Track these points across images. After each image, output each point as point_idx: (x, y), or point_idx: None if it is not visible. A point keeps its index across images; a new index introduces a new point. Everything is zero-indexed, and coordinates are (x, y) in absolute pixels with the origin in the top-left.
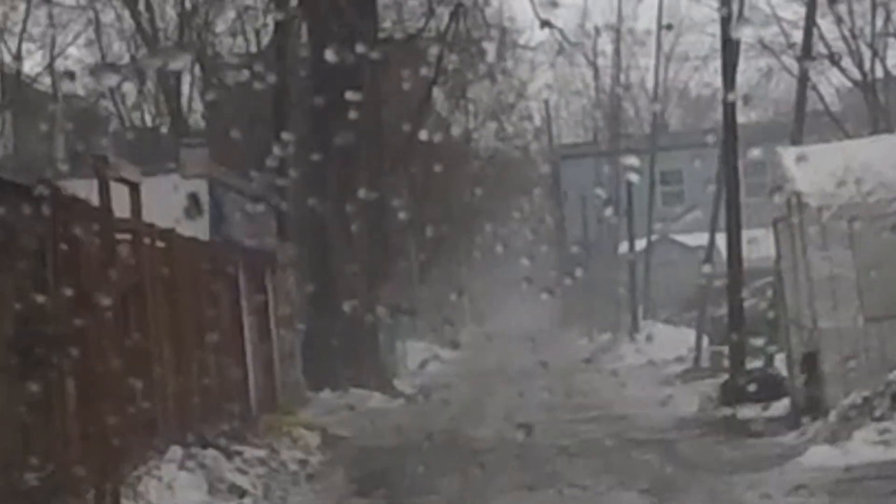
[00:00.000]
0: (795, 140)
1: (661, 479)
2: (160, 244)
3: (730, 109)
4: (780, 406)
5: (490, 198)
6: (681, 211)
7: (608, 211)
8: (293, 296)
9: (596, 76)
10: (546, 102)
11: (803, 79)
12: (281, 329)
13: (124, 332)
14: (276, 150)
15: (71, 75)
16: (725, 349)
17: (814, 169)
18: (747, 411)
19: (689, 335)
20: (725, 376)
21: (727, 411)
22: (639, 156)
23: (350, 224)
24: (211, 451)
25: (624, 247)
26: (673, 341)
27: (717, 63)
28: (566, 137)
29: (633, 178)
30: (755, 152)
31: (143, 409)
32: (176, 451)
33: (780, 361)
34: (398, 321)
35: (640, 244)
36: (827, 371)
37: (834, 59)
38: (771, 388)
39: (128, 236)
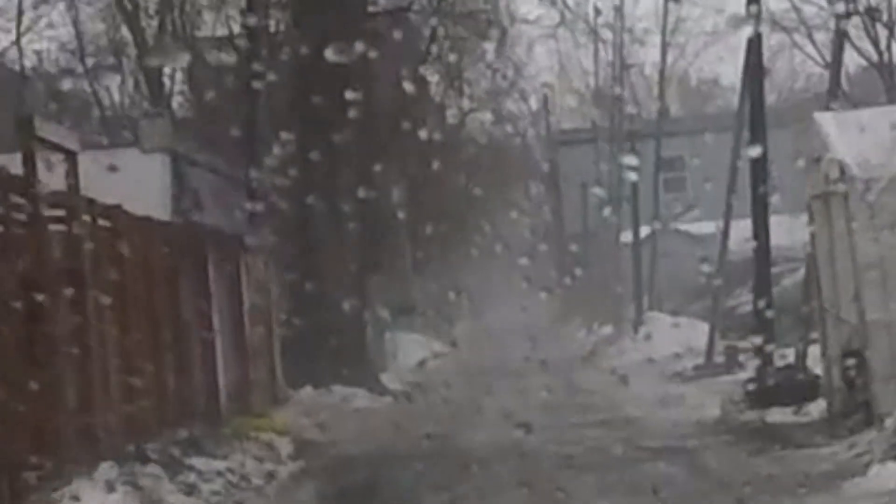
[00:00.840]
0: (829, 107)
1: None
2: (104, 223)
3: (757, 85)
4: (815, 410)
5: (486, 187)
6: (683, 197)
7: (608, 201)
8: (271, 285)
9: (596, 52)
10: (545, 90)
11: (840, 35)
12: (257, 321)
13: (49, 324)
14: (254, 130)
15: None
16: (741, 344)
17: (859, 136)
18: (777, 415)
19: (698, 328)
20: (742, 373)
21: (753, 415)
22: (641, 141)
23: (336, 210)
24: (152, 468)
25: (625, 236)
26: (680, 334)
27: (717, 48)
28: (564, 124)
29: (633, 176)
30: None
31: (68, 417)
32: (107, 469)
33: (812, 358)
34: (391, 314)
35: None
36: (877, 371)
37: (874, 16)
38: (803, 388)
39: (61, 212)
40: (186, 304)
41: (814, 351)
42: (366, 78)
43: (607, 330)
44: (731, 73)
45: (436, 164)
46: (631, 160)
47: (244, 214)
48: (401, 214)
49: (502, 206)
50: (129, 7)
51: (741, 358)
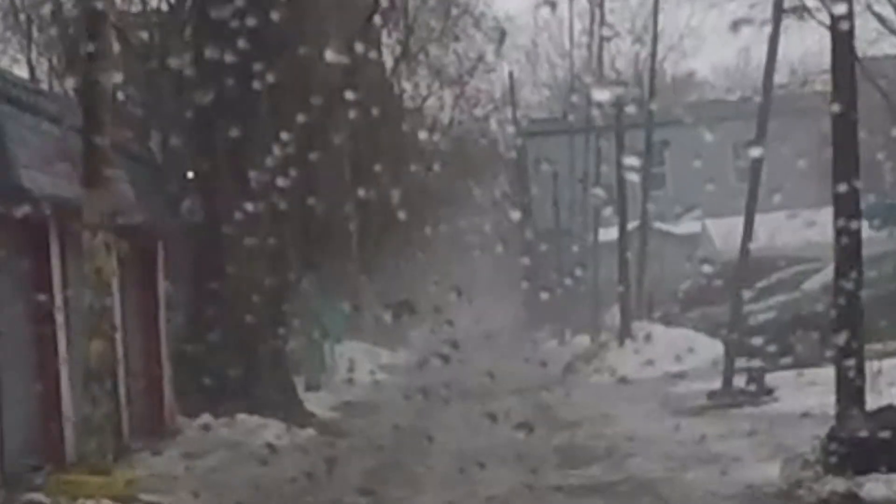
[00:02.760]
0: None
1: None
2: None
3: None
4: None
5: (447, 178)
6: (663, 194)
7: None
8: (158, 285)
9: (571, 35)
10: (511, 73)
11: None
12: (136, 331)
13: None
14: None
15: None
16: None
17: None
18: (878, 487)
19: (698, 341)
20: (775, 404)
21: (840, 485)
22: (611, 135)
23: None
24: None
25: (603, 235)
26: (677, 348)
27: (691, 41)
28: (533, 113)
29: (634, 177)
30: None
31: None
32: None
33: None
34: (332, 318)
35: (611, 234)
36: None
37: None
38: None
39: None
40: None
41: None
42: (297, 38)
43: (582, 340)
44: (706, 67)
45: (389, 153)
46: (631, 160)
47: (128, 192)
48: (346, 209)
49: (464, 200)
50: None
51: (767, 381)
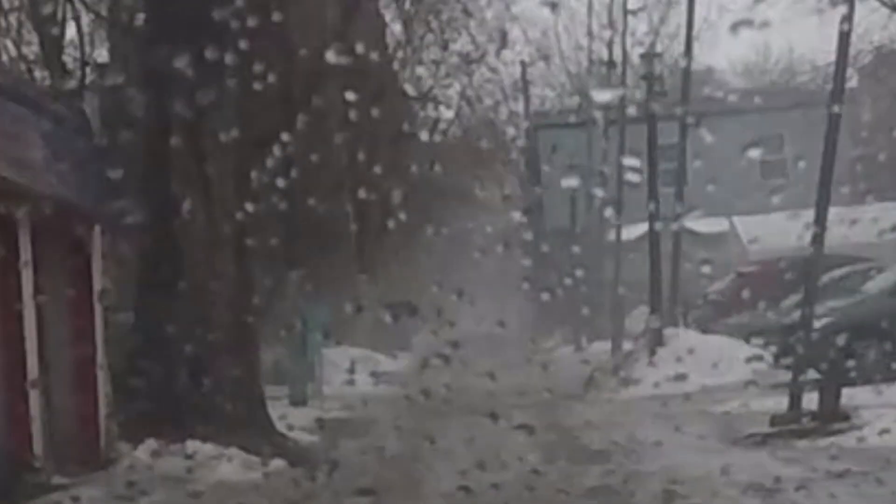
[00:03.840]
0: None
1: None
2: None
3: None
4: None
5: (450, 174)
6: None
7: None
8: (94, 281)
9: (590, 25)
10: (523, 62)
11: None
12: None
13: None
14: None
15: None
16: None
17: None
18: None
19: (738, 349)
20: (858, 431)
21: None
22: (637, 126)
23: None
24: None
25: (625, 233)
26: (715, 358)
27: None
28: (546, 106)
29: (635, 178)
30: None
31: None
32: None
33: None
34: (313, 320)
35: (630, 233)
36: None
37: None
38: None
39: None
40: None
41: None
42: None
43: (601, 348)
44: (724, 62)
45: (390, 147)
46: (631, 161)
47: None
48: (346, 205)
49: (468, 199)
50: None
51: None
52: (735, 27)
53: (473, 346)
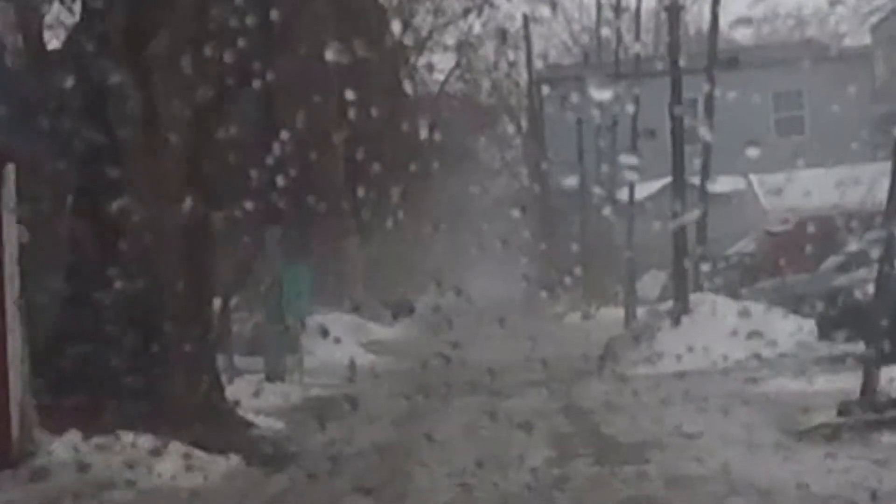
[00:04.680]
0: None
1: None
2: None
3: None
4: None
5: (450, 135)
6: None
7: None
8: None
9: None
10: (525, 15)
11: None
12: None
13: None
14: None
15: None
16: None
17: None
18: None
19: (774, 318)
20: None
21: None
22: (645, 80)
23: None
24: None
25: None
26: (750, 327)
27: None
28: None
29: (634, 176)
30: None
31: None
32: None
33: None
34: (292, 283)
35: (640, 191)
36: None
37: None
38: None
39: None
40: None
41: None
42: None
43: (611, 314)
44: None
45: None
46: (631, 160)
47: None
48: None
49: (470, 160)
50: None
51: None
52: None
53: (477, 315)
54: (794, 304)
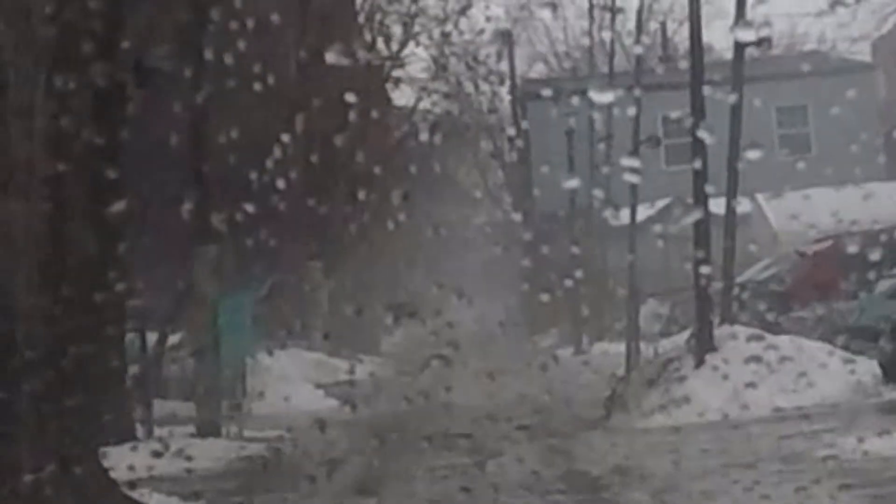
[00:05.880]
0: None
1: None
2: None
3: None
4: None
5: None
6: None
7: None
8: None
9: None
10: (508, 31)
11: None
12: None
13: None
14: None
15: None
16: None
17: None
18: None
19: (821, 355)
20: None
21: None
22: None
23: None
24: None
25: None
26: (793, 367)
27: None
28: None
29: (635, 179)
30: None
31: None
32: None
33: None
34: (234, 313)
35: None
36: None
37: None
38: None
39: None
40: None
41: None
42: None
43: (606, 349)
44: (722, 38)
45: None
46: (631, 161)
47: None
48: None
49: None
50: None
51: None
52: None
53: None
54: (846, 338)
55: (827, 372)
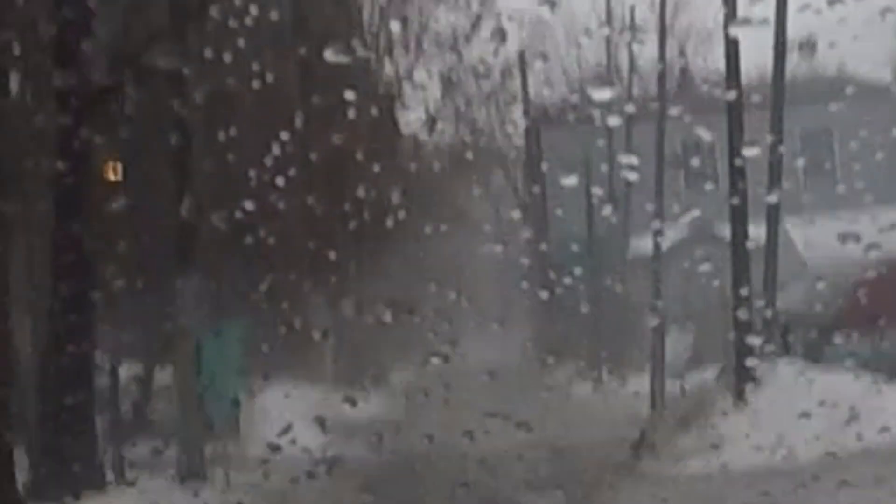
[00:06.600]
0: None
1: None
2: None
3: None
4: None
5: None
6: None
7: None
8: None
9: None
10: (522, 53)
11: None
12: None
13: None
14: None
15: None
16: None
17: None
18: None
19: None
20: None
21: None
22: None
23: None
24: None
25: (641, 246)
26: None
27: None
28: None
29: (632, 177)
30: None
31: None
32: None
33: None
34: (220, 347)
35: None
36: None
37: None
38: None
39: None
40: None
41: None
42: None
43: (632, 384)
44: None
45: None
46: (630, 159)
47: None
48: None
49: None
50: None
51: None
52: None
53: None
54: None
55: (882, 410)
